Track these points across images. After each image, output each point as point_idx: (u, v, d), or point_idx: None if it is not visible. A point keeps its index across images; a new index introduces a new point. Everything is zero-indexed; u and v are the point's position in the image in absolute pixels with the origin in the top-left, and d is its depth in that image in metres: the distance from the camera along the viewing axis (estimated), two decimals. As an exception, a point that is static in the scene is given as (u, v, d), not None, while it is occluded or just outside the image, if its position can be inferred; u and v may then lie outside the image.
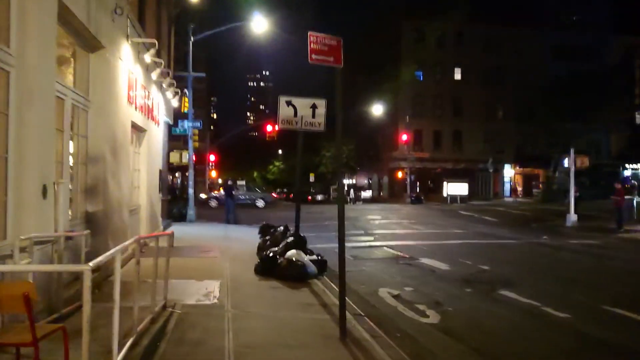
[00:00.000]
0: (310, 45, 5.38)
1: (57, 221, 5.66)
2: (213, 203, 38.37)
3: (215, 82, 75.68)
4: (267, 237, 11.72)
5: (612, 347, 5.99)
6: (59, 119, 6.52)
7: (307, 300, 7.45)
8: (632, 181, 37.22)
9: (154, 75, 11.91)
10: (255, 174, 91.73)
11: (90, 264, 3.05)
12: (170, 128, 20.65)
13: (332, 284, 8.47)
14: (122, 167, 9.26)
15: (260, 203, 40.92)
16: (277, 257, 9.27)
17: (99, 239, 7.71)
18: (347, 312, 5.88)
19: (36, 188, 5.08)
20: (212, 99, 79.21)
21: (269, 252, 9.65)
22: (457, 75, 52.51)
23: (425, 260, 11.81)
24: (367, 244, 14.78)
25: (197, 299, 6.97)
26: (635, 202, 22.47)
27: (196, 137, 28.23)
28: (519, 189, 53.98)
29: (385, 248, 13.91)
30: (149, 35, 11.47)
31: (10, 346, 3.63)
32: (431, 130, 51.93)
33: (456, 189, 46.05)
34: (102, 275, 7.20)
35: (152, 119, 12.91)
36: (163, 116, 15.27)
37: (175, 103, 16.47)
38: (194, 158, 23.84)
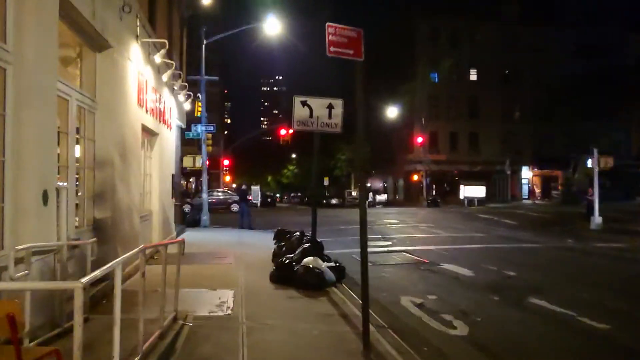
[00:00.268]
0: (328, 37, 4.97)
1: (60, 229, 5.30)
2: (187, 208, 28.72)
3: (229, 87, 75.76)
4: (283, 243, 11.33)
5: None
6: (62, 120, 6.20)
7: (326, 310, 7.02)
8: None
9: (165, 77, 11.61)
10: (269, 178, 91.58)
11: (84, 279, 2.67)
12: (183, 132, 20.42)
13: (351, 292, 8.04)
14: (132, 172, 8.93)
15: (235, 207, 32.61)
16: (294, 264, 8.87)
17: (108, 246, 7.37)
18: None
19: (36, 194, 4.73)
20: (226, 104, 79.26)
21: (284, 259, 9.25)
22: (473, 76, 51.79)
23: (447, 266, 11.32)
24: (386, 248, 14.31)
25: (209, 310, 6.59)
26: None
27: (209, 141, 27.97)
28: (537, 191, 53.03)
29: (404, 253, 13.45)
30: (159, 37, 11.16)
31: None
32: (447, 132, 51.22)
33: (473, 191, 45.26)
34: (110, 285, 6.82)
35: (164, 122, 12.60)
36: (175, 120, 14.98)
37: (187, 106, 16.20)
38: (207, 162, 23.58)
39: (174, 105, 14.36)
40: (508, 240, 16.62)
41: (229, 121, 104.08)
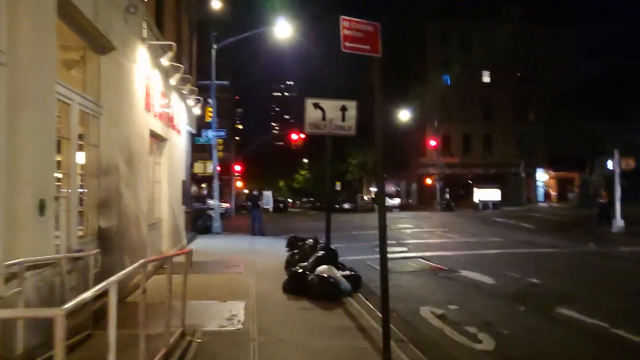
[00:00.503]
0: (342, 31, 4.61)
1: (60, 240, 4.97)
2: None
3: (241, 93, 75.75)
4: (296, 251, 10.99)
5: None
6: (64, 125, 5.91)
7: (342, 323, 6.63)
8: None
9: (173, 80, 11.33)
10: (281, 184, 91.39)
11: (66, 306, 2.33)
12: (193, 138, 20.19)
13: (368, 303, 7.65)
14: (140, 179, 8.63)
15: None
16: (307, 273, 8.49)
17: (114, 256, 7.06)
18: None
19: (31, 203, 4.41)
20: (237, 110, 79.19)
21: (297, 267, 8.89)
22: (486, 78, 51.14)
23: (467, 273, 10.87)
24: (401, 255, 13.87)
25: (219, 324, 6.23)
26: None
27: (220, 147, 27.71)
28: (553, 193, 52.11)
29: (420, 259, 13.02)
30: (167, 40, 10.88)
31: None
32: (460, 134, 50.56)
33: (487, 194, 44.54)
34: (119, 295, 6.48)
35: (173, 127, 12.32)
36: (185, 125, 14.71)
37: (197, 111, 15.92)
38: (218, 168, 23.31)
39: (184, 110, 14.09)
40: (527, 245, 16.10)
41: (240, 127, 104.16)
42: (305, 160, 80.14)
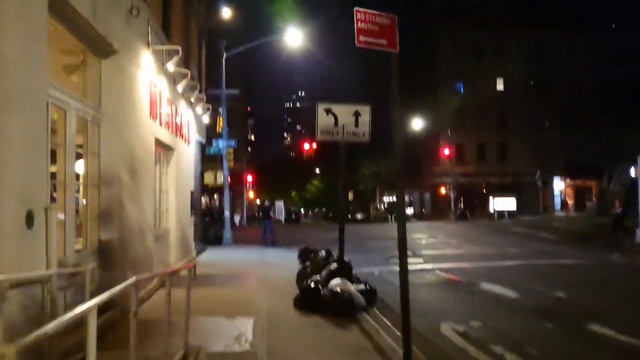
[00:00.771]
0: (357, 24, 4.21)
1: (50, 255, 4.58)
2: None
3: (252, 103, 75.68)
4: (308, 263, 10.55)
5: None
6: (60, 132, 5.56)
7: (357, 342, 6.17)
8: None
9: (180, 87, 11.00)
10: (293, 194, 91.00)
11: (22, 341, 1.92)
12: (203, 148, 19.90)
13: (385, 320, 7.18)
14: (144, 189, 8.27)
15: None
16: (320, 287, 8.04)
17: (115, 271, 6.66)
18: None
19: (17, 215, 4.04)
20: (249, 121, 79.23)
21: (310, 281, 8.42)
22: (500, 86, 50.43)
23: (487, 286, 10.34)
24: (418, 267, 13.34)
25: (225, 344, 5.79)
26: None
27: (231, 157, 27.44)
28: (570, 202, 51.08)
29: (437, 271, 12.52)
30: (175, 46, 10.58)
31: None
32: (474, 143, 49.75)
33: (503, 204, 43.75)
34: (119, 312, 6.08)
35: (181, 136, 11.99)
36: (194, 134, 14.38)
37: (206, 120, 15.60)
38: (229, 179, 22.98)
39: (192, 118, 13.77)
40: (547, 256, 15.48)
41: (252, 137, 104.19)
42: (317, 171, 79.78)
